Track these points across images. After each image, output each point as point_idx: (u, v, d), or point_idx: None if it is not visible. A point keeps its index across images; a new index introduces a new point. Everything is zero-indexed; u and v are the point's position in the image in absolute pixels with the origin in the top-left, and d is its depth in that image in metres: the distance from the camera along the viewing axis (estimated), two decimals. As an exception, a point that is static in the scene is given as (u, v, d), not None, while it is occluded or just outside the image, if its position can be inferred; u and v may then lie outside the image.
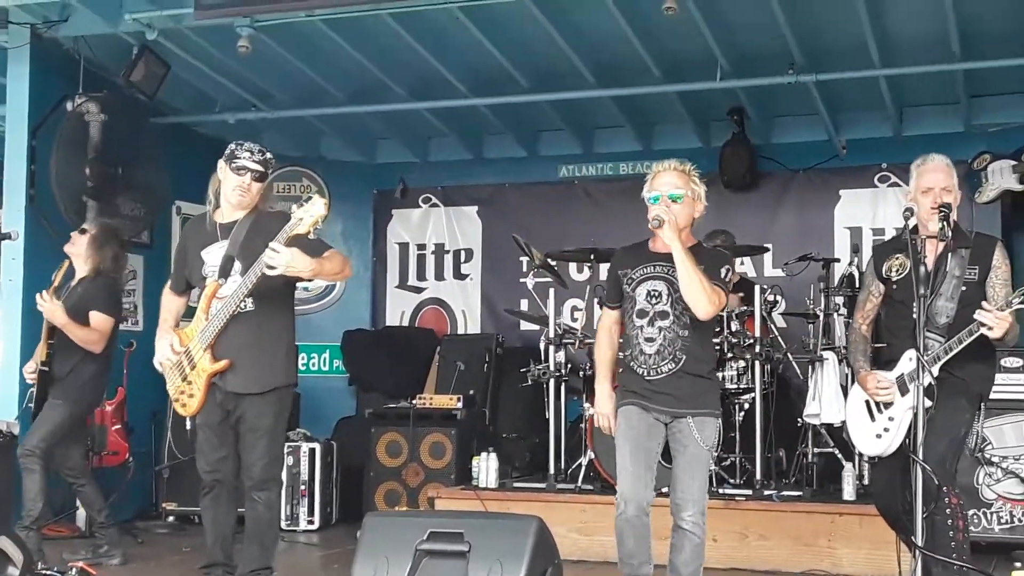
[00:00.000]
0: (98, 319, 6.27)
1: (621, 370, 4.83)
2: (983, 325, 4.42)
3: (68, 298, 6.29)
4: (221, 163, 4.99)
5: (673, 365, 4.62)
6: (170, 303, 5.24)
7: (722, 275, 4.65)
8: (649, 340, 4.64)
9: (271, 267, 4.63)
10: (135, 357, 7.46)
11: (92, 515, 6.66)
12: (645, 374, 4.66)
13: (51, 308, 6.14)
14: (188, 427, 5.41)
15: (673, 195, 4.63)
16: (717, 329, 6.94)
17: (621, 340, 4.92)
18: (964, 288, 4.60)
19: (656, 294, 4.65)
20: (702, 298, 4.49)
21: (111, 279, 6.46)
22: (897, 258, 4.80)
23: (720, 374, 7.05)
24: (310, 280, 5.03)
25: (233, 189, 4.96)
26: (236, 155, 4.93)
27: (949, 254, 4.61)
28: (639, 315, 4.68)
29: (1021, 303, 4.39)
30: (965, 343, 4.49)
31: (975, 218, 7.77)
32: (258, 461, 4.94)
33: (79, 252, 6.42)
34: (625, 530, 4.61)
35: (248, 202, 4.99)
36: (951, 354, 4.51)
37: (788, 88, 7.77)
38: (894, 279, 4.80)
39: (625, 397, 4.74)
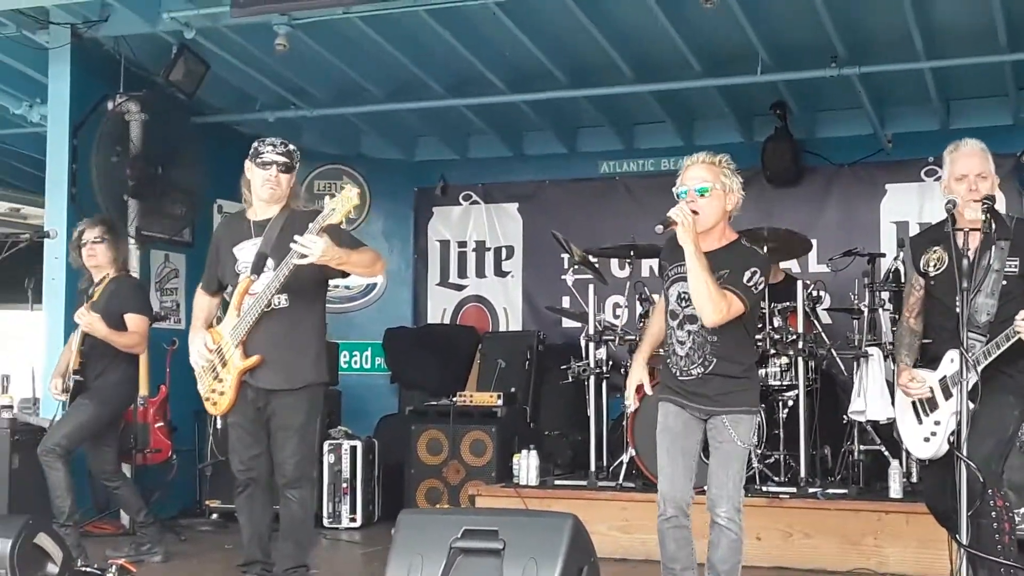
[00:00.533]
0: (135, 320, 6.27)
1: (661, 365, 4.77)
2: (1019, 332, 4.22)
3: (97, 304, 6.22)
4: (247, 162, 5.04)
5: (703, 368, 4.54)
6: (202, 303, 5.27)
7: (746, 279, 4.45)
8: (680, 343, 4.58)
9: (303, 255, 4.63)
10: (177, 355, 7.47)
11: (131, 515, 6.70)
12: (678, 374, 4.61)
13: (91, 321, 6.09)
14: (219, 426, 5.43)
15: (701, 188, 4.52)
16: (760, 325, 6.87)
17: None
18: (1005, 283, 4.37)
19: (686, 297, 4.51)
20: (707, 306, 4.36)
21: (134, 277, 6.49)
22: (935, 251, 4.58)
23: (763, 371, 6.97)
24: (343, 276, 5.04)
25: (262, 184, 4.99)
26: (260, 151, 4.98)
27: (989, 247, 4.36)
28: (671, 316, 4.63)
29: None
30: (1003, 348, 4.28)
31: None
32: (290, 459, 4.94)
33: (101, 260, 6.34)
34: (666, 533, 4.59)
35: (279, 195, 5.01)
36: (990, 359, 4.30)
37: (831, 81, 7.66)
38: (932, 274, 4.59)
39: (663, 392, 4.70)
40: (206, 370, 5.04)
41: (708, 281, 4.34)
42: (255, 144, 5.02)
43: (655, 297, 4.88)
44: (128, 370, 6.39)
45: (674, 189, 4.60)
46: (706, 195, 4.51)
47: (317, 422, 5.14)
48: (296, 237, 4.66)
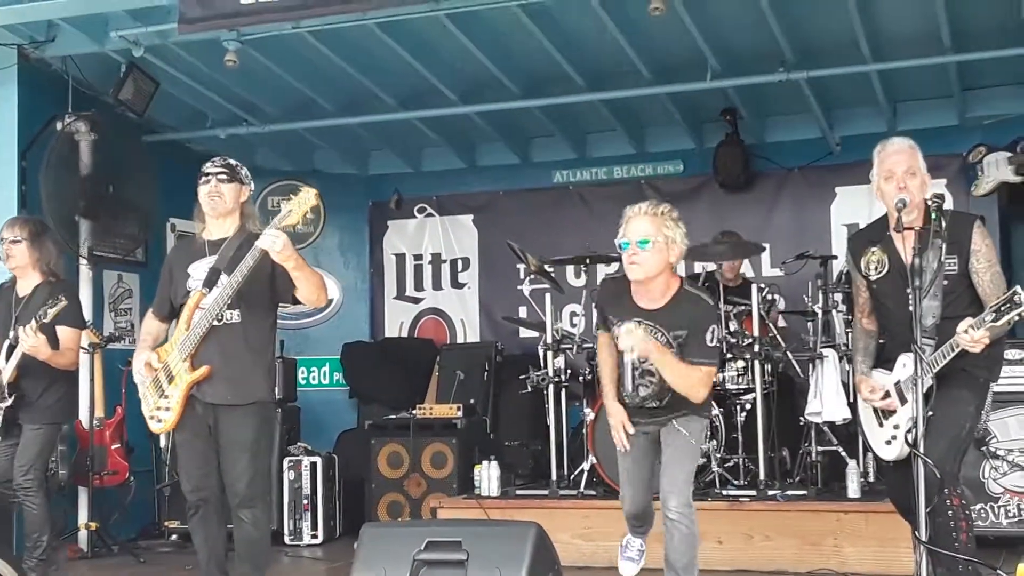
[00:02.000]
0: (68, 334, 5.93)
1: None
2: (959, 344, 4.19)
3: (26, 315, 5.83)
4: (198, 187, 5.03)
5: (658, 403, 4.75)
6: (151, 326, 5.18)
7: (707, 341, 4.61)
8: (636, 385, 4.73)
9: (268, 245, 4.60)
10: (132, 377, 7.38)
11: (29, 535, 6.05)
12: (629, 402, 4.82)
13: (36, 345, 5.72)
14: (162, 445, 5.32)
15: (642, 242, 4.60)
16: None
17: None
18: (946, 282, 4.33)
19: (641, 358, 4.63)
20: (692, 392, 4.61)
21: (68, 284, 6.15)
22: (873, 252, 4.55)
23: (720, 375, 7.03)
24: (293, 302, 4.98)
25: (206, 198, 4.99)
26: (202, 170, 5.02)
27: (927, 248, 4.26)
28: (628, 365, 4.74)
29: (994, 320, 4.08)
30: (949, 358, 4.25)
31: (971, 211, 7.74)
32: (242, 477, 4.88)
33: (20, 262, 6.00)
34: (630, 519, 5.05)
35: (224, 207, 4.99)
36: (938, 368, 4.25)
37: (780, 86, 7.73)
38: (873, 278, 4.55)
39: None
40: (151, 388, 4.98)
41: (685, 374, 4.57)
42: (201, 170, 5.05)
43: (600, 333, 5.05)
44: (69, 385, 6.13)
45: (616, 240, 4.70)
46: (647, 248, 4.60)
47: (272, 441, 5.10)
48: (263, 235, 4.65)
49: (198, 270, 4.98)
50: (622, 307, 4.75)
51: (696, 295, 4.75)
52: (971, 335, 4.15)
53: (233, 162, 5.07)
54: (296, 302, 5.02)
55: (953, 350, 4.24)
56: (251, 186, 5.16)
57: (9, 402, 5.85)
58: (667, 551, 4.67)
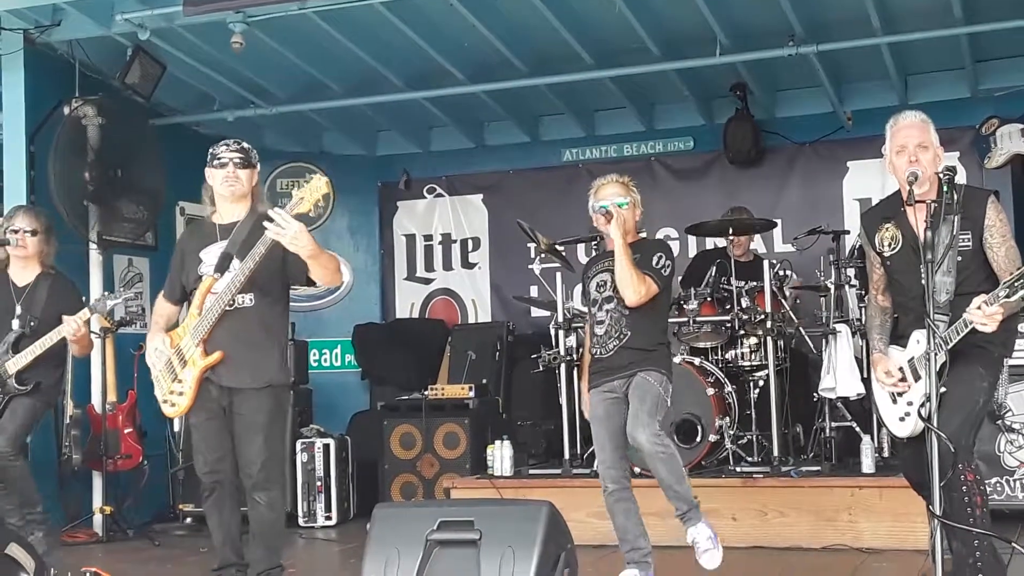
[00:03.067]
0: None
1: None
2: (971, 323, 4.14)
3: (31, 306, 5.89)
4: (207, 170, 5.01)
5: (618, 341, 5.16)
6: (163, 309, 5.16)
7: (654, 262, 5.16)
8: (599, 323, 5.24)
9: (278, 234, 4.58)
10: (144, 360, 7.40)
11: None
12: (598, 353, 5.23)
13: (86, 333, 5.79)
14: (176, 430, 5.30)
15: (621, 202, 5.21)
16: (728, 306, 6.99)
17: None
18: (959, 258, 4.28)
19: (603, 283, 5.27)
20: (628, 288, 5.07)
21: (65, 276, 6.14)
22: (887, 228, 4.50)
23: (733, 351, 7.08)
24: (308, 284, 4.97)
25: (222, 183, 4.96)
26: (215, 153, 4.98)
27: (941, 222, 4.22)
28: (592, 304, 5.33)
29: (1008, 296, 4.02)
30: (963, 334, 4.19)
31: (985, 184, 7.70)
32: (256, 459, 4.87)
33: (31, 252, 5.99)
34: (613, 507, 5.17)
35: (240, 191, 4.98)
36: (951, 344, 4.20)
37: (789, 61, 7.67)
38: (887, 254, 4.51)
39: (592, 382, 5.29)
40: (163, 371, 4.97)
41: (631, 266, 5.07)
42: (211, 150, 5.01)
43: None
44: (62, 368, 6.12)
45: (594, 204, 5.26)
46: (624, 207, 5.21)
47: (286, 424, 5.09)
48: (272, 212, 4.62)
49: (210, 255, 4.95)
50: (598, 259, 5.50)
51: (655, 240, 5.67)
52: (984, 311, 4.10)
53: (247, 145, 5.04)
54: (310, 283, 5.00)
55: (967, 326, 4.19)
56: (258, 168, 5.14)
57: (27, 389, 5.84)
58: (659, 481, 5.02)
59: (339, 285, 4.97)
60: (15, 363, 5.81)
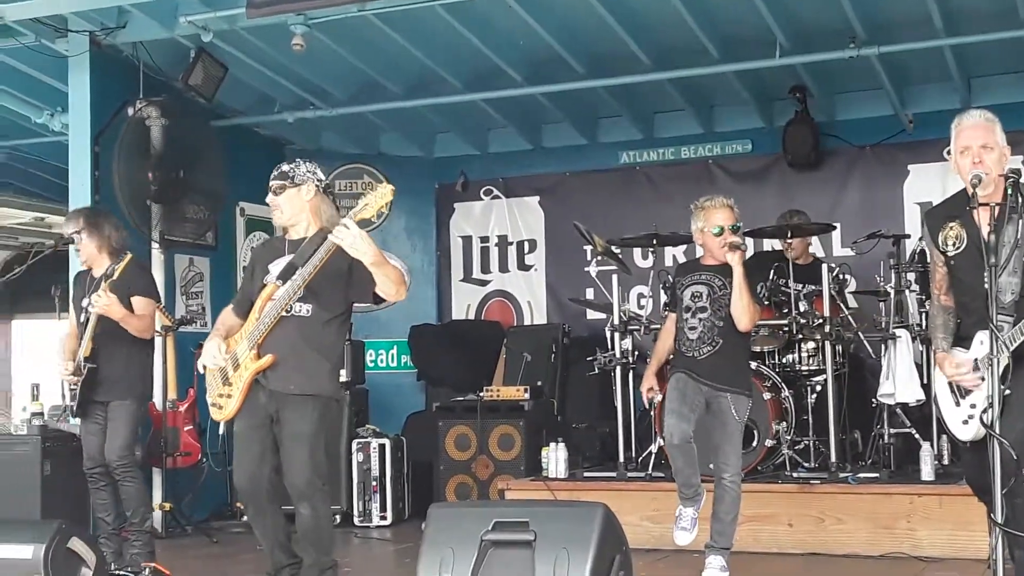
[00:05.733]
0: (141, 303, 6.00)
1: (672, 355, 5.81)
2: None
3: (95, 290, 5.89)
4: None
5: (711, 347, 5.59)
6: (227, 318, 5.17)
7: (756, 290, 5.83)
8: (692, 329, 5.63)
9: (339, 238, 4.58)
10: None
11: (132, 513, 6.16)
12: (689, 353, 5.64)
13: (108, 303, 5.78)
14: (222, 432, 5.29)
15: (734, 226, 5.58)
16: (785, 310, 6.97)
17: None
18: None
19: (698, 294, 5.66)
20: (746, 317, 5.53)
21: (137, 260, 6.22)
22: (951, 227, 4.41)
23: (791, 356, 7.05)
24: (375, 301, 4.94)
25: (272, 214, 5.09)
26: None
27: (1007, 222, 4.14)
28: (685, 311, 5.69)
29: None
30: None
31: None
32: (302, 471, 4.83)
33: (90, 252, 6.09)
34: (674, 453, 5.57)
35: (283, 218, 5.03)
36: (1016, 344, 4.14)
37: (850, 63, 7.60)
38: (951, 253, 4.42)
39: (675, 367, 5.71)
40: (216, 376, 4.99)
41: (751, 298, 5.51)
42: None
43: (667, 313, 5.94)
44: (147, 360, 6.21)
45: (702, 227, 5.63)
46: (737, 232, 5.59)
47: (337, 435, 5.05)
48: (336, 227, 4.62)
49: (277, 267, 4.97)
50: (692, 269, 5.85)
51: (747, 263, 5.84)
52: None
53: (287, 167, 5.02)
54: (379, 301, 4.94)
55: None
56: (317, 179, 5.04)
57: (84, 374, 5.91)
58: (717, 508, 5.54)
59: (402, 299, 4.91)
60: (83, 348, 5.92)
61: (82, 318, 6.01)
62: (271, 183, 5.01)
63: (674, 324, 5.77)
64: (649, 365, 5.98)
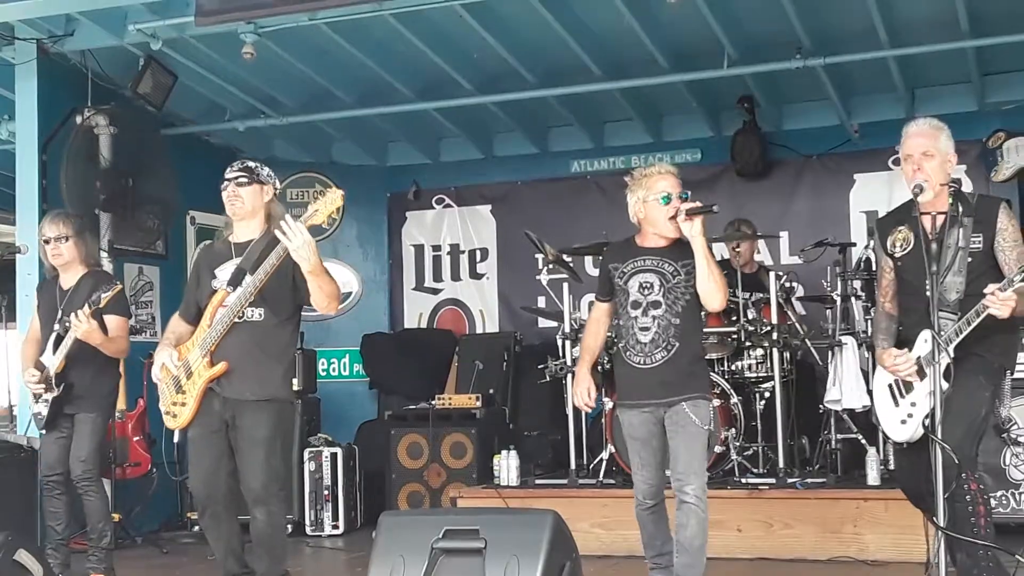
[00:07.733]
0: (116, 322, 5.99)
1: (611, 363, 5.19)
2: (988, 306, 4.21)
3: (71, 307, 5.88)
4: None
5: (666, 353, 4.85)
6: (175, 326, 5.17)
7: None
8: (644, 329, 4.87)
9: (287, 239, 4.57)
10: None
11: (92, 527, 6.17)
12: (640, 362, 4.89)
13: (89, 329, 5.74)
14: (176, 440, 5.28)
15: (683, 194, 4.87)
16: (734, 318, 6.99)
17: (610, 333, 5.31)
18: (970, 259, 4.36)
19: (648, 285, 4.89)
20: (718, 295, 4.81)
21: (111, 275, 6.20)
22: (900, 231, 4.56)
23: (739, 363, 7.09)
24: (312, 304, 4.94)
25: (227, 203, 5.01)
26: (224, 175, 5.03)
27: (952, 226, 4.33)
28: (633, 306, 4.92)
29: (1022, 280, 4.12)
30: (974, 324, 4.27)
31: (993, 197, 7.70)
32: (257, 475, 4.85)
33: (69, 259, 6.07)
34: (646, 517, 4.99)
35: (245, 209, 5.00)
36: (961, 336, 4.29)
37: (797, 73, 7.71)
38: (898, 255, 4.57)
39: (622, 399, 5.07)
40: (168, 384, 4.99)
41: (718, 272, 4.80)
42: None
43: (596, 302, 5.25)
44: (116, 375, 6.19)
45: (645, 196, 4.89)
46: (685, 201, 4.86)
47: (289, 440, 5.07)
48: (283, 222, 4.62)
49: (224, 271, 4.97)
50: (628, 251, 5.01)
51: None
52: (998, 296, 4.17)
53: (252, 164, 5.06)
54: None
55: (979, 315, 4.25)
56: (275, 185, 5.10)
57: (57, 392, 5.90)
58: (681, 535, 4.80)
59: (334, 314, 4.93)
60: (52, 364, 5.89)
61: (55, 329, 5.95)
62: (234, 173, 4.99)
63: (606, 316, 5.13)
64: (580, 363, 5.20)
